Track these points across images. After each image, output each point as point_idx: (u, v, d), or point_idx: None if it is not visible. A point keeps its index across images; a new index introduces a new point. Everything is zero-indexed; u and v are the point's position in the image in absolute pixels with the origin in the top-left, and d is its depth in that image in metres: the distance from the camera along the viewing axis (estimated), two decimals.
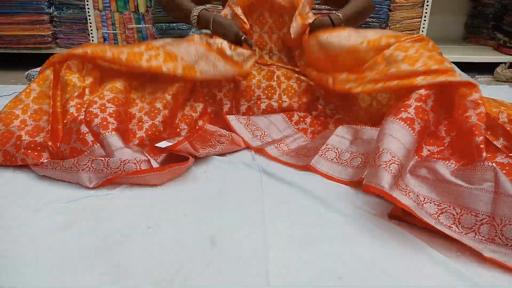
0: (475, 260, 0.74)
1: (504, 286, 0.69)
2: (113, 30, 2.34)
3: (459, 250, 0.77)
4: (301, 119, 1.34)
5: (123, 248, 0.78)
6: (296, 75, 1.41)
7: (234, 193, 0.98)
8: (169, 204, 0.93)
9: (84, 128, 1.05)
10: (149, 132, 1.17)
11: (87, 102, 1.13)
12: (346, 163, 1.07)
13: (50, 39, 2.30)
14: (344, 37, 1.26)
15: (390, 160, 0.84)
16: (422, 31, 2.33)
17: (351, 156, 1.08)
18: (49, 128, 1.12)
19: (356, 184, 1.00)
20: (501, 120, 1.01)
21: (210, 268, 0.73)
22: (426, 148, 1.00)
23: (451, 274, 0.71)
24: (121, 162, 0.98)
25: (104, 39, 2.36)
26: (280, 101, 1.36)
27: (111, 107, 1.11)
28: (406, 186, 0.86)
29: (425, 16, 2.30)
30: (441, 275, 0.71)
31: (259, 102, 1.35)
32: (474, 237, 0.76)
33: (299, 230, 0.84)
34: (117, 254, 0.76)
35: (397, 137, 0.90)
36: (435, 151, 0.99)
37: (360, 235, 0.83)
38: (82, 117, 1.08)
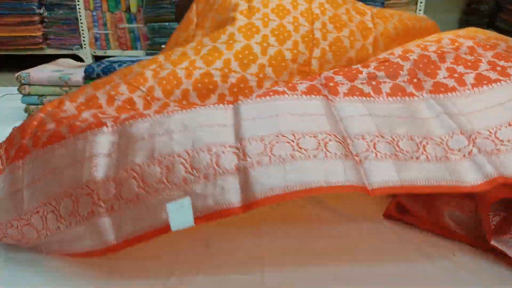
0: (471, 259, 0.74)
1: (499, 285, 0.69)
2: (104, 30, 2.32)
3: (455, 249, 0.77)
4: None
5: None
6: None
7: None
8: None
9: None
10: None
11: None
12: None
13: (41, 40, 2.28)
14: None
15: None
16: None
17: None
18: None
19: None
20: None
21: (204, 270, 0.72)
22: None
23: (447, 273, 0.71)
24: None
25: (96, 40, 2.34)
26: None
27: None
28: None
29: (418, 13, 2.30)
30: (436, 274, 0.71)
31: None
32: None
33: (295, 232, 0.83)
34: (110, 258, 0.74)
35: None
36: None
37: (355, 235, 0.82)
38: None
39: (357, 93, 0.75)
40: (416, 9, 2.30)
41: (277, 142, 0.61)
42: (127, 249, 0.77)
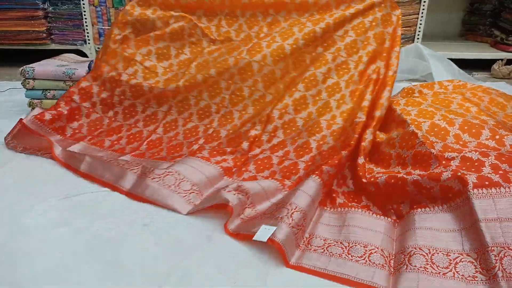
0: None
1: None
2: (108, 26, 2.32)
3: None
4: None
5: (118, 244, 0.78)
6: None
7: None
8: None
9: None
10: None
11: None
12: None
13: (45, 35, 2.28)
14: None
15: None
16: (419, 27, 2.32)
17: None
18: None
19: None
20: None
21: (206, 264, 0.73)
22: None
23: None
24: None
25: (100, 35, 2.34)
26: None
27: None
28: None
29: (422, 13, 2.30)
30: None
31: None
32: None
33: None
34: (112, 251, 0.76)
35: None
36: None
37: None
38: None
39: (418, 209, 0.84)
40: (419, 8, 2.29)
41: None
42: (128, 242, 0.78)
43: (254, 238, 0.76)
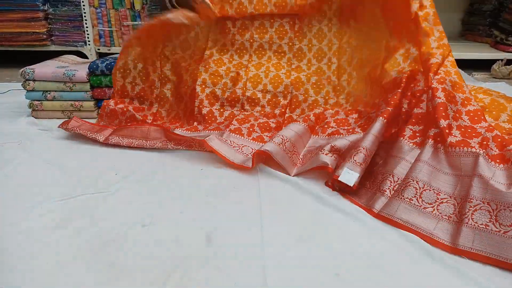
0: None
1: (498, 281, 0.69)
2: (108, 27, 2.32)
3: None
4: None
5: (118, 246, 0.78)
6: None
7: (231, 190, 0.98)
8: (165, 202, 0.93)
9: None
10: None
11: None
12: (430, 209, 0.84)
13: (45, 36, 2.28)
14: None
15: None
16: None
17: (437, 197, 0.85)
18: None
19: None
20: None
21: (206, 265, 0.73)
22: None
23: (448, 270, 0.71)
24: None
25: (100, 37, 2.34)
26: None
27: None
28: None
29: None
30: (437, 270, 0.71)
31: None
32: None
33: (295, 227, 0.84)
34: (112, 253, 0.76)
35: None
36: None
37: (356, 231, 0.83)
38: None
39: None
40: None
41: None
42: (128, 243, 0.78)
43: (339, 179, 0.92)
